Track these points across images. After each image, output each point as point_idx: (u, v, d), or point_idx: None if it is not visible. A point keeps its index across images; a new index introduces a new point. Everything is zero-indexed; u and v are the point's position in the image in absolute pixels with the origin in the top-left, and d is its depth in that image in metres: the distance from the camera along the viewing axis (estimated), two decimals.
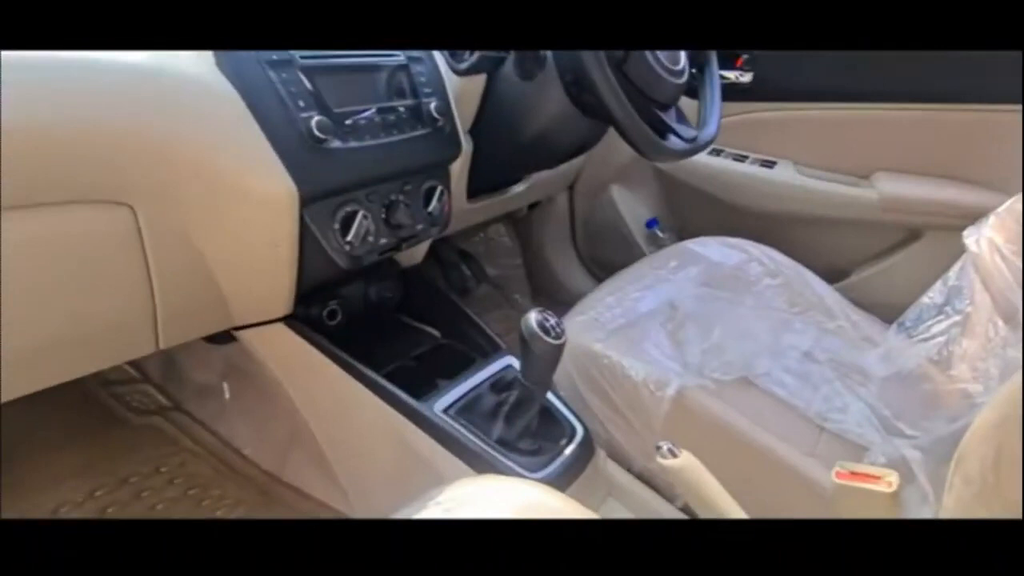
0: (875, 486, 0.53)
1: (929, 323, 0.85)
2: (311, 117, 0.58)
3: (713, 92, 0.89)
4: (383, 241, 0.69)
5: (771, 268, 0.98)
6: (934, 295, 0.85)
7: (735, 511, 0.55)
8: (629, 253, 1.34)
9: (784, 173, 1.11)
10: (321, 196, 0.61)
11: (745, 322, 0.85)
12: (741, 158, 1.15)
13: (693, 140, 0.81)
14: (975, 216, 0.80)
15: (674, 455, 0.57)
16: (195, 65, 0.54)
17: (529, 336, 0.61)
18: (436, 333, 0.88)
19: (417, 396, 0.72)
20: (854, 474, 0.55)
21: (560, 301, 1.46)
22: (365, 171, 0.64)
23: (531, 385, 0.65)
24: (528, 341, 0.61)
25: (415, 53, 0.71)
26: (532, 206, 1.35)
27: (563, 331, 0.62)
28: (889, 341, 0.88)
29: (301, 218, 0.61)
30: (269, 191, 0.57)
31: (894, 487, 0.52)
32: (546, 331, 0.61)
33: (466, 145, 0.90)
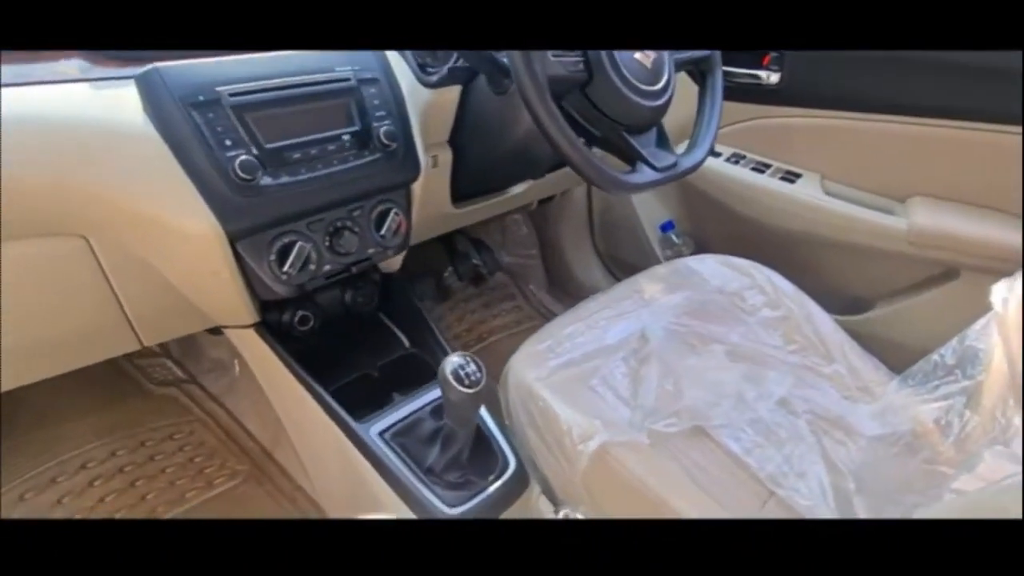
0: None
1: (936, 383, 0.75)
2: (236, 157, 0.58)
3: (712, 109, 0.79)
4: (327, 268, 0.70)
5: (773, 298, 0.89)
6: (946, 353, 0.74)
7: None
8: (643, 254, 1.27)
9: (807, 190, 0.99)
10: (251, 232, 0.63)
11: (717, 363, 0.79)
12: (763, 167, 1.03)
13: (670, 168, 0.73)
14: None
15: None
16: (124, 113, 0.56)
17: (443, 382, 0.61)
18: (406, 341, 0.90)
19: (365, 413, 0.74)
20: None
21: (575, 295, 1.42)
22: (300, 204, 0.65)
23: (452, 424, 0.65)
24: (443, 386, 0.61)
25: (368, 75, 0.69)
26: (544, 200, 1.30)
27: (480, 379, 0.61)
28: (888, 396, 0.79)
29: (235, 250, 0.63)
30: (193, 231, 0.59)
31: None
32: (460, 379, 0.60)
33: (444, 154, 0.88)
